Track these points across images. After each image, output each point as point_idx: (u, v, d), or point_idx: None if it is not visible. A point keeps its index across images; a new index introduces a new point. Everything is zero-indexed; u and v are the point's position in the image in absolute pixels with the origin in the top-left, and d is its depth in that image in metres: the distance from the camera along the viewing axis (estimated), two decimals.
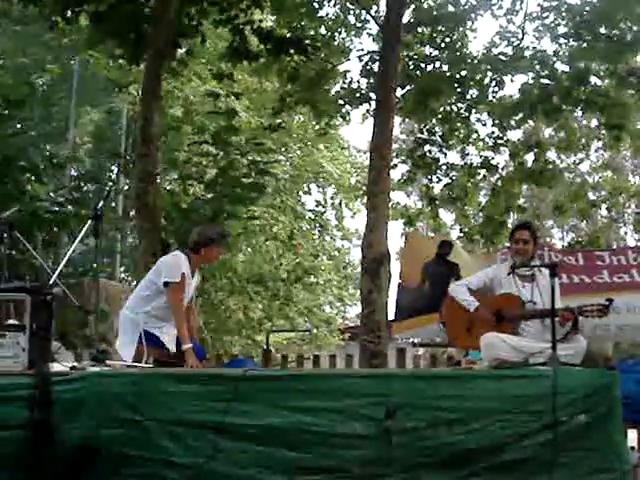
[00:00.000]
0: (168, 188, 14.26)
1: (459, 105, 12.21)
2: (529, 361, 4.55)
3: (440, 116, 12.32)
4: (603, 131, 12.64)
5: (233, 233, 12.87)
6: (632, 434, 6.96)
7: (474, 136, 12.72)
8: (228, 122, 12.42)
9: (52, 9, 10.16)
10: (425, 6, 11.63)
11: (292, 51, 10.84)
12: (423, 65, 11.75)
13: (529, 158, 12.85)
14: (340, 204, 21.32)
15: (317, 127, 14.05)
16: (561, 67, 11.37)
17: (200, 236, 5.38)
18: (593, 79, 11.36)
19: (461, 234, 13.93)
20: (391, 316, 8.51)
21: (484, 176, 13.22)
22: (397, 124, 15.61)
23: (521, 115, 11.97)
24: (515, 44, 11.46)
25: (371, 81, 11.63)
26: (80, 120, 16.63)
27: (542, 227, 23.84)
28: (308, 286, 19.34)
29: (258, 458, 3.95)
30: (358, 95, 12.01)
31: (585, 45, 10.76)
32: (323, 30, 11.80)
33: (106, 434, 3.98)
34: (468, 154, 12.96)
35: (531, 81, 11.54)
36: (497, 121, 12.28)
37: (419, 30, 11.58)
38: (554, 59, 11.34)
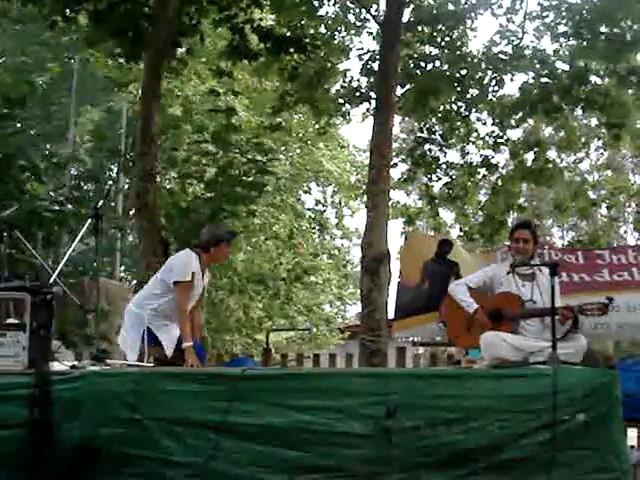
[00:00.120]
0: (168, 187, 14.26)
1: (459, 104, 12.20)
2: (529, 360, 4.55)
3: (440, 115, 12.31)
4: (603, 130, 12.64)
5: None
6: (632, 433, 6.95)
7: (474, 135, 12.71)
8: (227, 120, 12.43)
9: (51, 8, 10.16)
10: (425, 5, 11.62)
11: (292, 50, 10.84)
12: (423, 64, 11.73)
13: (529, 157, 12.85)
14: (340, 203, 21.34)
15: (317, 126, 14.04)
16: (561, 66, 11.38)
17: (210, 235, 5.41)
18: (593, 78, 11.36)
19: (461, 233, 13.93)
20: (391, 315, 8.51)
21: (484, 175, 13.21)
22: (397, 123, 15.64)
23: (521, 114, 11.97)
24: (515, 43, 11.45)
25: (371, 80, 11.62)
26: (80, 119, 16.61)
27: (542, 226, 23.83)
28: (308, 285, 19.35)
29: (258, 457, 3.96)
30: (358, 94, 12.00)
31: (585, 44, 10.75)
32: (323, 29, 11.79)
33: (106, 433, 3.99)
34: (468, 153, 12.96)
35: (531, 80, 11.54)
36: (497, 120, 12.27)
37: (419, 29, 11.57)
38: (554, 58, 11.34)
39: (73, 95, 16.25)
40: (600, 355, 7.53)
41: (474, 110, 12.29)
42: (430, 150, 12.77)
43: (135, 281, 12.27)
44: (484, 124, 12.52)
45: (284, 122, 13.44)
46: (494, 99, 11.97)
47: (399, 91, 10.97)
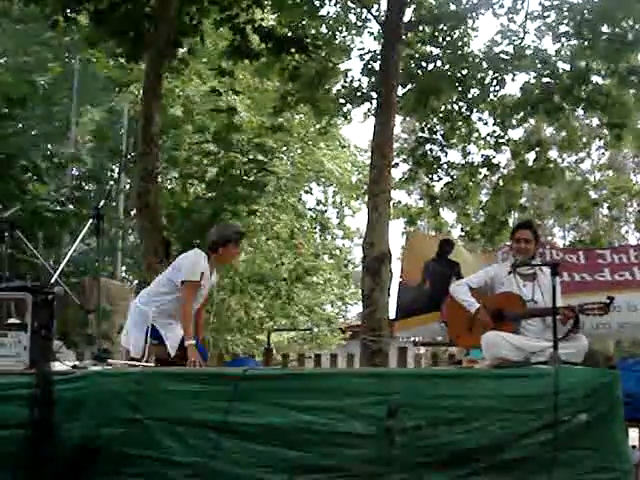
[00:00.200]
0: (169, 187, 14.27)
1: (460, 104, 12.19)
2: (530, 360, 4.55)
3: (441, 115, 12.30)
4: (604, 130, 12.62)
5: None
6: (633, 433, 6.94)
7: (475, 135, 12.69)
8: (229, 120, 12.43)
9: (52, 8, 10.17)
10: (426, 5, 11.61)
11: (293, 50, 10.84)
12: (424, 64, 11.72)
13: (530, 157, 12.83)
14: (341, 203, 21.32)
15: (318, 126, 14.03)
16: (562, 66, 11.36)
17: (218, 235, 5.40)
18: (594, 78, 11.34)
19: (462, 233, 13.92)
20: (392, 315, 8.51)
21: (485, 175, 13.19)
22: (398, 123, 15.67)
23: (522, 114, 11.95)
24: (516, 43, 11.43)
25: (372, 80, 11.61)
26: (81, 119, 16.61)
27: (543, 226, 23.83)
28: (309, 285, 19.34)
29: (259, 457, 3.96)
30: (359, 94, 11.99)
31: (586, 44, 10.75)
32: (324, 29, 11.78)
33: (107, 433, 3.99)
34: (469, 153, 12.94)
35: (532, 80, 11.53)
36: (498, 120, 12.25)
37: (420, 29, 11.56)
38: (555, 58, 11.32)
39: (74, 95, 16.25)
40: (601, 355, 7.53)
41: (475, 110, 12.27)
42: (431, 150, 12.76)
43: (137, 281, 12.27)
44: (485, 124, 12.51)
45: (285, 122, 13.42)
46: (495, 99, 11.95)
47: (400, 91, 10.96)
